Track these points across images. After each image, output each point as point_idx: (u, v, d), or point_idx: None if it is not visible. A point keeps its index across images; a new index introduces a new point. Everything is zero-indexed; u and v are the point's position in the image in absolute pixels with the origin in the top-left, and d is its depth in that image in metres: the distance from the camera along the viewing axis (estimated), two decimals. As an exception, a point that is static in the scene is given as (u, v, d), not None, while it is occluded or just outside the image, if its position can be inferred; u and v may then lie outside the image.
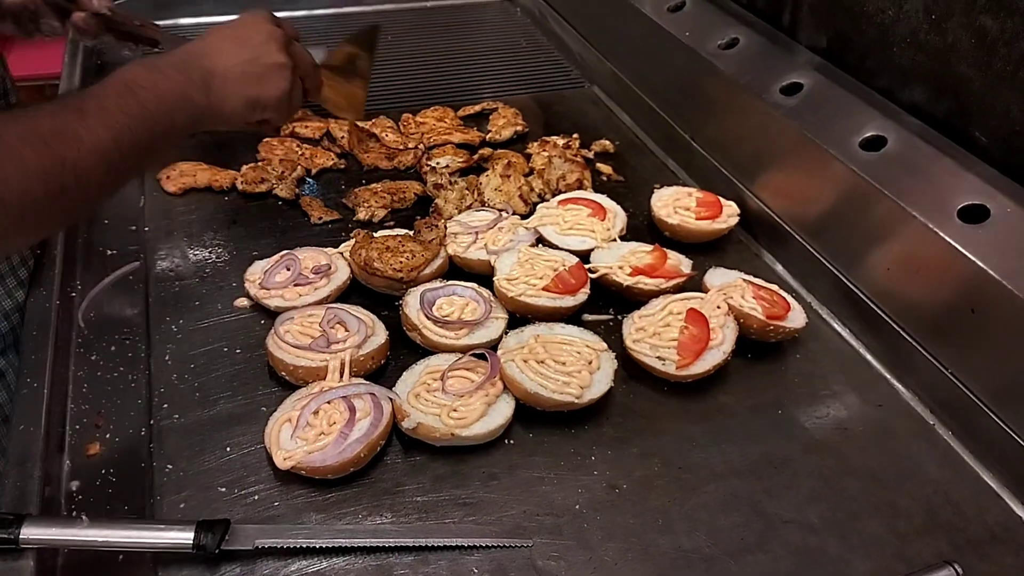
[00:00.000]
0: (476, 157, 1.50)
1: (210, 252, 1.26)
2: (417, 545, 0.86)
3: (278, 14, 1.15)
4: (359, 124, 1.55)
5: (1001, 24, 1.05)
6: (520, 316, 1.14)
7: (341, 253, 1.21)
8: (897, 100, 1.22)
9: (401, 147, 1.54)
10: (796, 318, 1.13)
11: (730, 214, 1.33)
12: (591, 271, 1.18)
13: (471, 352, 1.04)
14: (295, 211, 1.37)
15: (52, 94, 1.68)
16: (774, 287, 1.18)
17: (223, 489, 0.91)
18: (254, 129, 1.16)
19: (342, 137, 1.52)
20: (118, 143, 0.85)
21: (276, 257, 1.19)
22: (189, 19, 1.99)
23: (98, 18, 1.34)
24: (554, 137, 1.56)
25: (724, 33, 1.48)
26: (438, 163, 1.47)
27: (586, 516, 0.90)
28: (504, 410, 0.98)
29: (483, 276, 1.19)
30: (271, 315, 1.11)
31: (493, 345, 1.07)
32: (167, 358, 1.07)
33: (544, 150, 1.50)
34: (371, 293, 1.18)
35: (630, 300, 1.17)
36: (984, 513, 0.94)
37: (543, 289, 1.12)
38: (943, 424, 1.05)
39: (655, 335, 1.08)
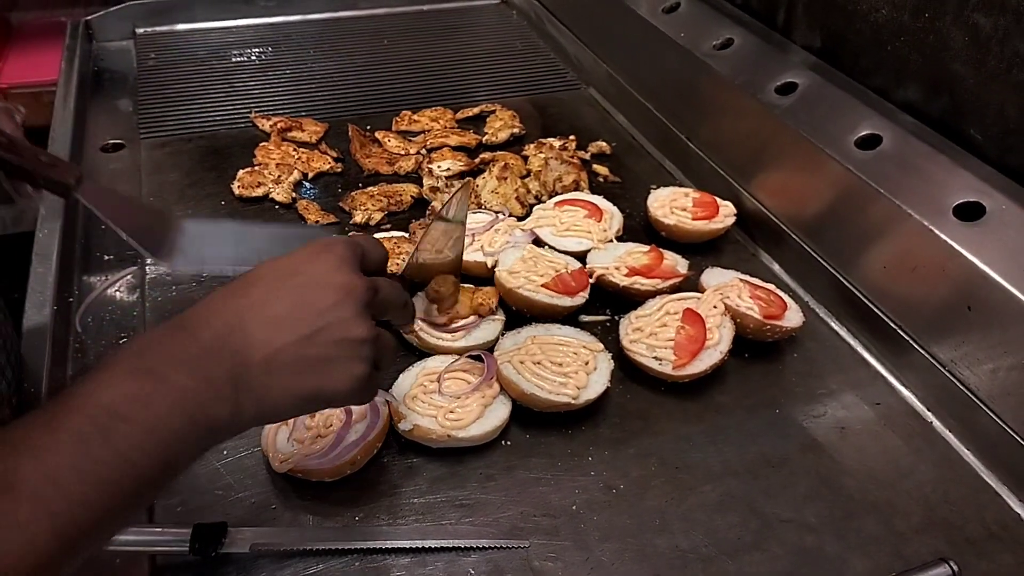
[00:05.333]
0: (477, 161, 1.51)
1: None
2: (414, 547, 0.85)
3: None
4: (361, 130, 1.54)
5: (994, 22, 1.05)
6: (515, 310, 1.14)
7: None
8: (892, 99, 1.22)
9: (403, 153, 1.54)
10: (793, 317, 1.13)
11: (726, 214, 1.33)
12: (591, 277, 1.18)
13: (467, 354, 1.04)
14: (291, 215, 1.37)
15: (49, 100, 1.67)
16: (771, 286, 1.18)
17: (220, 492, 0.91)
18: None
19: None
20: (65, 538, 0.53)
21: None
22: (184, 25, 1.99)
23: None
24: (551, 139, 1.56)
25: (719, 34, 1.48)
26: (439, 166, 1.47)
27: (583, 517, 0.90)
28: (501, 411, 0.98)
29: (479, 278, 1.19)
30: (268, 318, 1.11)
31: (490, 347, 1.07)
32: (164, 362, 1.07)
33: (541, 152, 1.50)
34: (368, 296, 1.18)
35: (627, 300, 1.17)
36: (982, 511, 0.94)
37: (542, 286, 1.12)
38: (941, 422, 1.05)
39: (652, 335, 1.08)
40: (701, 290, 1.17)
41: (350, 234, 1.31)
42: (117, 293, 1.18)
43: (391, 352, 0.76)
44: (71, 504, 0.53)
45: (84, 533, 0.54)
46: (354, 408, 0.95)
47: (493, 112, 1.68)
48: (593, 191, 1.42)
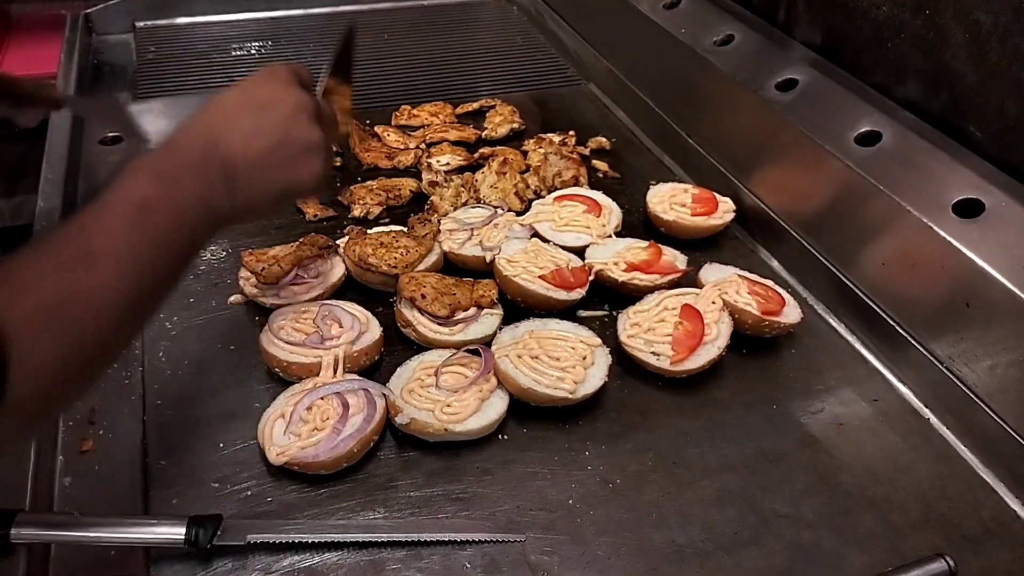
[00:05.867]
0: (477, 156, 1.50)
1: (205, 250, 1.26)
2: (410, 540, 0.85)
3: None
4: (360, 124, 1.54)
5: (995, 19, 1.05)
6: (511, 300, 1.14)
7: (337, 250, 1.21)
8: (892, 95, 1.22)
9: (402, 147, 1.54)
10: (791, 313, 1.13)
11: (725, 210, 1.33)
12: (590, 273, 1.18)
13: (465, 348, 1.04)
14: (290, 208, 1.36)
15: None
16: (769, 283, 1.17)
17: (216, 484, 0.91)
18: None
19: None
20: (138, 291, 0.69)
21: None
22: (184, 18, 1.99)
23: None
24: (550, 134, 1.56)
25: (719, 30, 1.48)
26: (438, 161, 1.47)
27: (580, 511, 0.90)
28: (498, 405, 0.98)
29: (478, 272, 1.19)
30: (265, 312, 1.11)
31: (487, 341, 1.06)
32: (161, 354, 1.07)
33: (540, 147, 1.50)
34: (366, 290, 1.18)
35: (625, 296, 1.17)
36: (979, 508, 0.94)
37: (539, 278, 1.12)
38: (938, 419, 1.05)
39: (650, 331, 1.08)
40: (699, 286, 1.16)
41: (343, 222, 1.30)
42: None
43: (333, 121, 0.95)
44: (136, 269, 0.69)
45: (146, 294, 0.71)
46: (351, 401, 0.95)
47: (493, 107, 1.67)
48: (592, 186, 1.41)
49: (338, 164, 1.49)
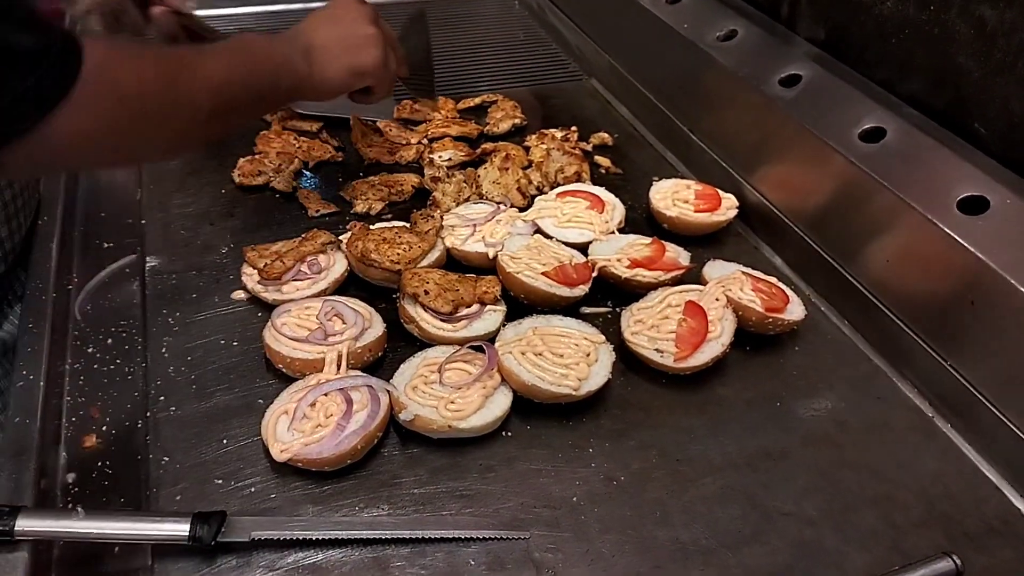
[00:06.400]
0: (479, 151, 1.50)
1: (208, 245, 1.26)
2: (414, 537, 0.85)
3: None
4: (363, 119, 1.54)
5: (1000, 15, 1.04)
6: (514, 296, 1.14)
7: (340, 245, 1.21)
8: (896, 92, 1.22)
9: (404, 142, 1.53)
10: (795, 311, 1.13)
11: (729, 206, 1.32)
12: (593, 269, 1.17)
13: (468, 344, 1.04)
14: (292, 204, 1.36)
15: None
16: (773, 279, 1.17)
17: (219, 481, 0.91)
18: (362, 102, 1.21)
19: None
20: (228, 82, 0.92)
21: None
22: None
23: (176, 16, 1.33)
24: (552, 130, 1.56)
25: (722, 25, 1.48)
26: (440, 156, 1.46)
27: (583, 508, 0.90)
28: (502, 402, 0.98)
29: (480, 268, 1.19)
30: (268, 308, 1.11)
31: (491, 337, 1.06)
32: (164, 351, 1.07)
33: (542, 143, 1.50)
34: (368, 286, 1.18)
35: (628, 293, 1.17)
36: (982, 506, 0.94)
37: (542, 274, 1.12)
38: (941, 417, 1.05)
39: (653, 327, 1.08)
40: (703, 282, 1.16)
41: (345, 218, 1.30)
42: (116, 280, 1.17)
43: (395, 40, 1.23)
44: (224, 83, 0.92)
45: (234, 98, 0.94)
46: (354, 397, 0.94)
47: (495, 102, 1.67)
48: (595, 182, 1.41)
49: (340, 159, 1.49)
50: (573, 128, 1.56)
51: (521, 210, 1.32)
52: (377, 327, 1.07)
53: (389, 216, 1.34)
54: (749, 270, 1.18)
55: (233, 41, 1.02)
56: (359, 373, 1.00)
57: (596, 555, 0.85)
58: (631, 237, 1.24)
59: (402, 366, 1.02)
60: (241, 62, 0.97)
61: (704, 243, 1.31)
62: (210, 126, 0.93)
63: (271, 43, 1.05)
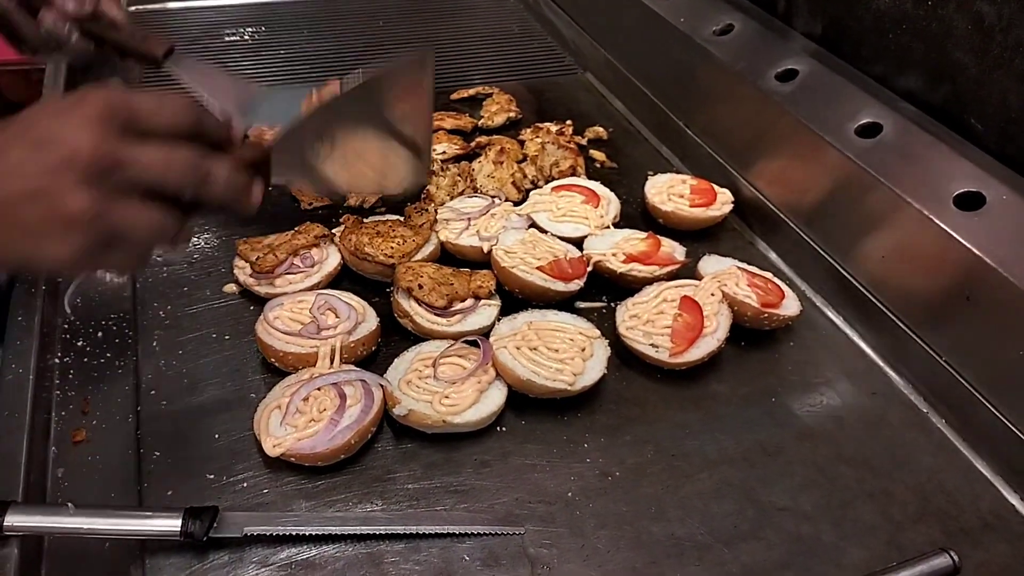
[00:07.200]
0: (473, 145, 1.49)
1: (199, 238, 1.24)
2: (408, 533, 0.85)
3: None
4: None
5: (998, 10, 1.04)
6: (509, 291, 1.13)
7: (333, 238, 1.20)
8: (893, 87, 1.22)
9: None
10: (790, 306, 1.12)
11: (724, 201, 1.32)
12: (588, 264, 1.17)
13: (463, 339, 1.03)
14: (285, 197, 1.35)
15: (38, 79, 1.64)
16: (768, 275, 1.17)
17: (211, 476, 0.90)
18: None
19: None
20: None
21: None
22: (176, 3, 1.96)
23: (77, 22, 1.10)
24: (547, 124, 1.55)
25: (719, 19, 1.47)
26: (434, 149, 1.45)
27: (579, 503, 0.90)
28: (496, 397, 0.98)
29: (475, 262, 1.18)
30: (260, 301, 1.10)
31: (485, 332, 1.06)
32: (155, 344, 1.06)
33: (537, 137, 1.49)
34: (362, 279, 1.17)
35: (623, 287, 1.16)
36: (977, 501, 0.94)
37: (537, 268, 1.11)
38: (937, 412, 1.05)
39: (648, 322, 1.07)
40: (698, 278, 1.16)
41: (338, 211, 1.29)
42: (107, 274, 1.16)
43: (140, 231, 0.66)
44: None
45: None
46: (348, 392, 0.94)
47: (489, 95, 1.66)
48: (590, 177, 1.40)
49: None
50: (568, 122, 1.56)
51: (516, 204, 1.31)
52: (371, 321, 1.06)
53: (383, 209, 1.33)
54: (745, 265, 1.18)
55: None
56: (353, 367, 0.99)
57: (591, 550, 0.85)
58: (626, 232, 1.24)
59: (396, 360, 1.01)
60: None
61: (700, 238, 1.30)
62: None
63: None
